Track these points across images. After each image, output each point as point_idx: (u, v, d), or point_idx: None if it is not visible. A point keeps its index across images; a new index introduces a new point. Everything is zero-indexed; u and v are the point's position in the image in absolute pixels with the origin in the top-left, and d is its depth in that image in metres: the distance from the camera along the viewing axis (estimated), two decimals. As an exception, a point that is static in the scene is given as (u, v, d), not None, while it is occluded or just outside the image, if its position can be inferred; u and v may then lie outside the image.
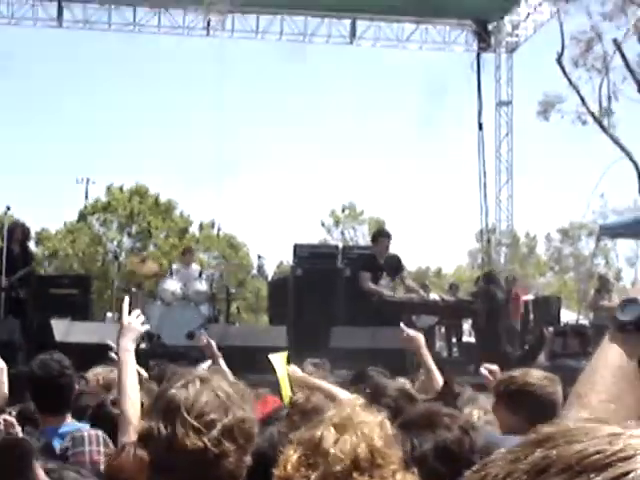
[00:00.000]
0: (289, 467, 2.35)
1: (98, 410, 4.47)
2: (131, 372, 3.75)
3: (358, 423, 2.42)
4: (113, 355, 4.81)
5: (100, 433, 3.97)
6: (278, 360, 5.66)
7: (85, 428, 4.10)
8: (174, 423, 2.45)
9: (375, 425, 2.45)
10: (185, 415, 2.46)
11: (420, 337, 5.52)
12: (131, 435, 3.37)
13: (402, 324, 5.77)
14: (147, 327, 4.10)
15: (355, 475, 2.31)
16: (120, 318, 3.93)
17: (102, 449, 3.91)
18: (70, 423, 4.41)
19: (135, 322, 3.96)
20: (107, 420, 4.09)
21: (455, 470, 2.84)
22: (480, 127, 20.15)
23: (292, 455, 2.37)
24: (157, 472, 2.51)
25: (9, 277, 12.88)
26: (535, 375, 4.27)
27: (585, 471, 0.80)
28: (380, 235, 13.41)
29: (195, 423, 2.45)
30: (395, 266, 12.99)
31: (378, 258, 12.85)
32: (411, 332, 5.59)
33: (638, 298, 1.62)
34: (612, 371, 1.58)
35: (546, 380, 4.23)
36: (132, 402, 3.62)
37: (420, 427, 2.94)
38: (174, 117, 70.34)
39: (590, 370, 1.64)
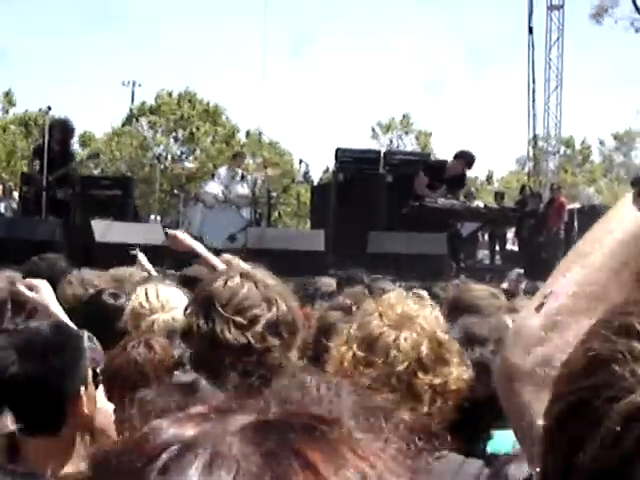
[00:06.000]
0: (346, 364, 2.24)
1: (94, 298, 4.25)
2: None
3: (415, 317, 2.29)
4: (135, 253, 4.76)
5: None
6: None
7: None
8: (213, 319, 2.42)
9: (433, 318, 2.33)
10: (222, 310, 2.42)
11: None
12: None
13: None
14: None
15: (420, 374, 2.20)
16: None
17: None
18: None
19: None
20: (101, 311, 3.96)
21: None
22: (530, 31, 19.62)
23: (347, 351, 2.26)
24: (198, 368, 2.44)
25: (49, 176, 12.52)
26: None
27: None
28: (466, 157, 12.77)
29: (236, 318, 2.41)
30: (458, 184, 12.76)
31: (447, 171, 12.58)
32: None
33: None
34: (624, 236, 1.44)
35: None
36: None
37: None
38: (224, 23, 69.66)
39: (599, 229, 1.50)
